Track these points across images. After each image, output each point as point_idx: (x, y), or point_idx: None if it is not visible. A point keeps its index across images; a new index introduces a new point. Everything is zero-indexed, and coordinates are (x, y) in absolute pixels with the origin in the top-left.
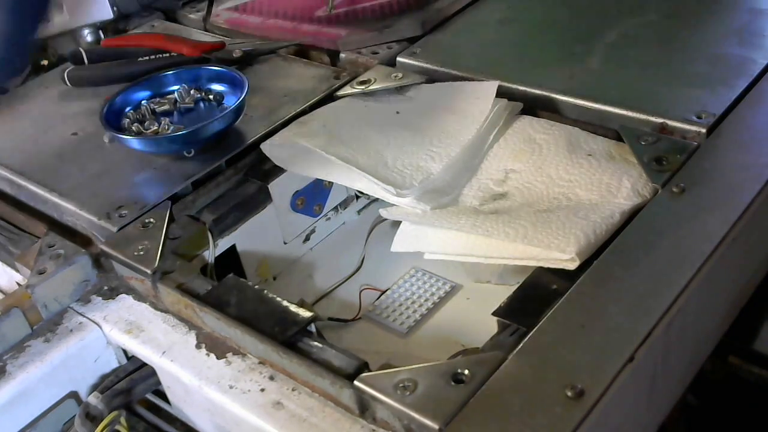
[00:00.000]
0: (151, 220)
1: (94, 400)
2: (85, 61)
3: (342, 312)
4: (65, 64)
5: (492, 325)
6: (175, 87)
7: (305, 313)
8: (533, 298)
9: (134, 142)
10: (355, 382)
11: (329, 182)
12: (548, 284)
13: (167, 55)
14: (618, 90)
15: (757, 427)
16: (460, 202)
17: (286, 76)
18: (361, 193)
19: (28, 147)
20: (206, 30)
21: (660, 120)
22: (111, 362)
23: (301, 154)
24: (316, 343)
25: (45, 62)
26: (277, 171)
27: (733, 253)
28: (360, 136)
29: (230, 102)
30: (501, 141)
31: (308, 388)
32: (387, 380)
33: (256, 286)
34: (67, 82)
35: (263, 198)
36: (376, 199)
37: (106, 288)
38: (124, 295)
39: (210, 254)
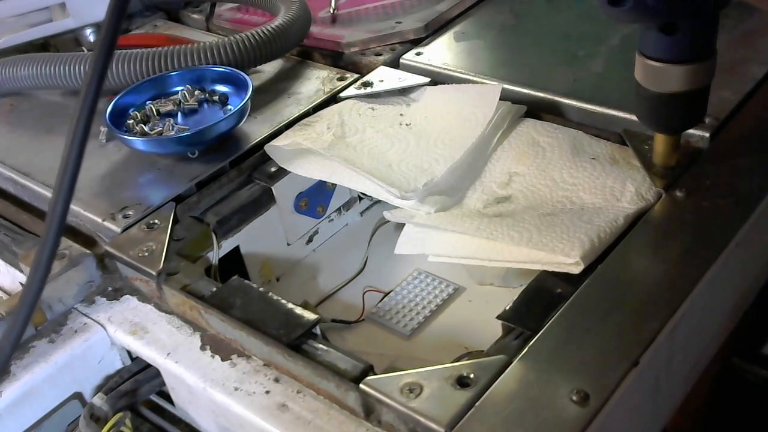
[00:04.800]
0: (156, 221)
1: (98, 401)
2: None
3: (345, 314)
4: None
5: (495, 328)
6: (179, 88)
7: (310, 316)
8: (538, 301)
9: (138, 143)
10: (361, 385)
11: (332, 184)
12: (552, 288)
13: None
14: (622, 93)
15: (761, 429)
16: (463, 205)
17: (289, 77)
18: (364, 194)
19: (31, 147)
20: (209, 30)
21: None
22: (115, 363)
23: (304, 156)
24: (321, 346)
25: None
26: (281, 172)
27: (736, 257)
28: (363, 137)
29: (234, 103)
30: (505, 144)
31: (313, 391)
32: (392, 383)
33: (261, 288)
34: None
35: (267, 199)
36: (379, 201)
37: (110, 289)
38: (128, 296)
39: (214, 255)
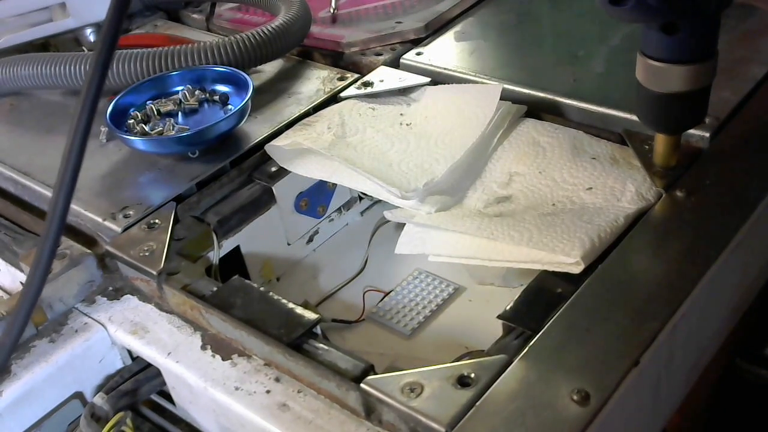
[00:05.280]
0: (156, 220)
1: (99, 400)
2: None
3: (345, 313)
4: None
5: (496, 328)
6: (180, 87)
7: (311, 315)
8: (538, 301)
9: (139, 143)
10: (362, 385)
11: (333, 184)
12: (553, 288)
13: None
14: (622, 93)
15: (761, 430)
16: (464, 205)
17: (290, 77)
18: (365, 194)
19: (32, 147)
20: (209, 30)
21: None
22: (116, 363)
23: (305, 156)
24: (322, 345)
25: None
26: (281, 172)
27: (737, 257)
28: (364, 137)
29: (235, 103)
30: (505, 144)
31: (314, 390)
32: (393, 383)
33: (261, 288)
34: None
35: (267, 199)
36: (379, 201)
37: (111, 289)
38: (129, 296)
39: (214, 255)
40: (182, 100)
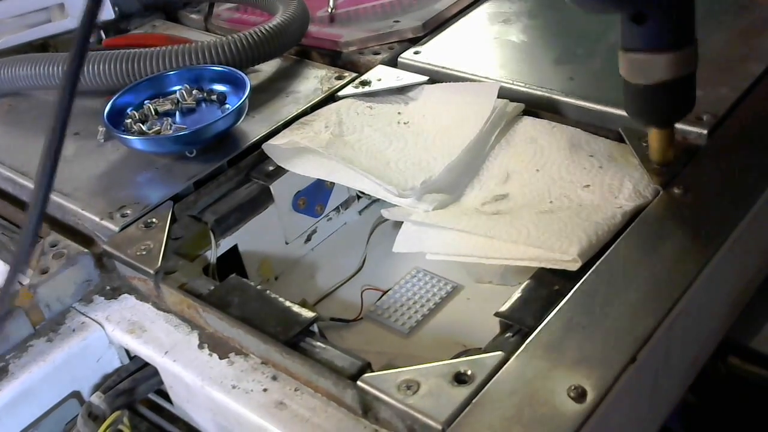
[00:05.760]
0: (154, 220)
1: (96, 399)
2: None
3: (343, 312)
4: None
5: (493, 326)
6: (177, 87)
7: (308, 314)
8: (535, 299)
9: (136, 142)
10: (358, 383)
11: (331, 182)
12: (550, 285)
13: None
14: (619, 91)
15: (756, 428)
16: (461, 203)
17: (287, 76)
18: (363, 193)
19: (30, 147)
20: (207, 30)
21: None
22: (113, 362)
23: (302, 155)
24: (318, 344)
25: None
26: (279, 171)
27: (734, 254)
28: (362, 136)
29: (232, 102)
30: (503, 142)
31: (311, 389)
32: (390, 380)
33: (259, 287)
34: None
35: (265, 198)
36: (378, 200)
37: (108, 288)
38: (126, 295)
39: (212, 254)
40: (180, 100)
